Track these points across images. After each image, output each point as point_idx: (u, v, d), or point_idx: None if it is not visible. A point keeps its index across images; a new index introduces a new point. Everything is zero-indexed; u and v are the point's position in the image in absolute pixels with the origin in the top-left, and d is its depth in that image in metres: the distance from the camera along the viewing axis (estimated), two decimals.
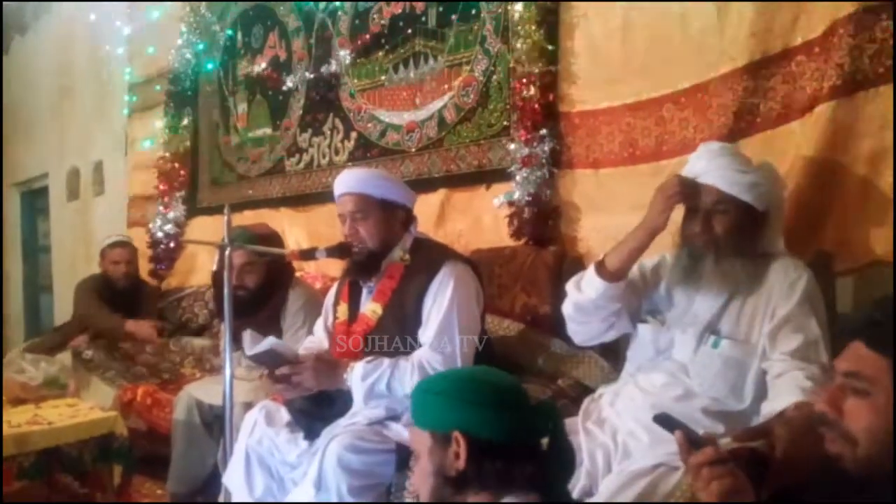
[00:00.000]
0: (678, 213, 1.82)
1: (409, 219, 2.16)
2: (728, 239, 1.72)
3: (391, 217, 2.11)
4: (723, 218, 1.72)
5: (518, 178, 2.70)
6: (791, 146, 2.03)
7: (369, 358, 1.99)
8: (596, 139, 2.60)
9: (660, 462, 1.55)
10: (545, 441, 1.22)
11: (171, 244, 4.30)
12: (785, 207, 1.84)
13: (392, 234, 2.11)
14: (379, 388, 1.95)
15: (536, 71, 2.68)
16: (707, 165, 1.75)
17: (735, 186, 1.70)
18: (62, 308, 5.73)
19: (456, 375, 1.27)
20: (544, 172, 2.67)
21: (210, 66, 4.34)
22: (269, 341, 1.98)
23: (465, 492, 1.17)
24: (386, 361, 1.97)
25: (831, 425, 1.02)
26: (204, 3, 4.35)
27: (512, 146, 2.76)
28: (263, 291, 2.72)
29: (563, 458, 1.20)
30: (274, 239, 2.79)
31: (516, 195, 2.70)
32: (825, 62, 1.93)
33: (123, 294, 3.65)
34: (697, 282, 1.76)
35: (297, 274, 3.24)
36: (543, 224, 2.69)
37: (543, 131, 2.66)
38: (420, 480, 1.23)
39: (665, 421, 1.16)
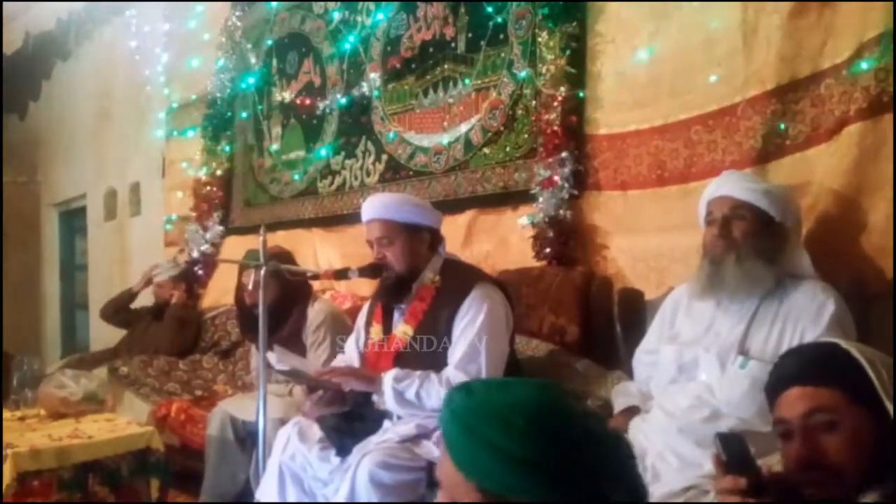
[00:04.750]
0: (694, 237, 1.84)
1: (435, 240, 2.20)
2: (747, 241, 1.75)
3: (417, 240, 2.15)
4: (741, 223, 1.76)
5: (540, 199, 2.75)
6: (819, 169, 2.04)
7: (403, 369, 2.04)
8: (624, 161, 2.62)
9: (691, 485, 1.56)
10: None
11: (203, 263, 4.44)
12: (802, 222, 1.86)
13: (419, 257, 2.16)
14: (408, 394, 1.99)
15: (559, 95, 2.73)
16: (720, 182, 1.84)
17: (749, 193, 1.76)
18: (97, 325, 5.87)
19: (519, 424, 0.87)
20: (565, 194, 2.70)
21: (246, 91, 4.47)
22: (292, 362, 2.04)
23: None
24: (417, 372, 2.03)
25: (818, 468, 1.05)
26: (240, 31, 4.49)
27: (535, 168, 2.80)
28: (278, 309, 2.70)
29: None
30: (286, 258, 2.83)
31: (539, 216, 2.75)
32: (852, 85, 1.95)
33: (158, 311, 4.05)
34: (720, 290, 1.78)
35: (326, 294, 3.30)
36: (564, 245, 2.72)
37: (564, 154, 2.70)
38: None
39: (721, 441, 1.11)
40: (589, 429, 0.92)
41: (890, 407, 1.05)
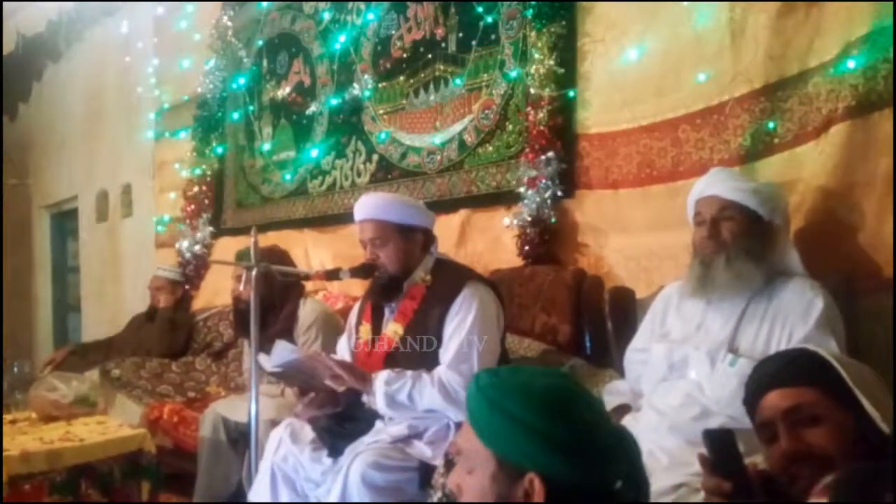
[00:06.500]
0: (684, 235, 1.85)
1: (428, 241, 2.20)
2: (736, 242, 1.76)
3: (410, 241, 2.15)
4: (729, 224, 1.77)
5: (526, 199, 2.76)
6: (807, 167, 2.05)
7: (395, 370, 2.03)
8: (615, 160, 2.63)
9: (681, 482, 1.56)
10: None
11: (199, 264, 4.42)
12: (790, 220, 1.87)
13: (412, 257, 2.15)
14: (400, 397, 1.98)
15: (547, 95, 2.73)
16: (708, 181, 1.84)
17: (737, 193, 1.77)
18: (90, 327, 5.85)
19: (538, 401, 0.98)
20: (549, 195, 2.71)
21: (237, 91, 4.45)
22: (289, 355, 2.03)
23: None
24: (409, 373, 2.01)
25: (807, 460, 1.07)
26: (231, 31, 4.48)
27: (521, 168, 2.81)
28: (268, 305, 2.66)
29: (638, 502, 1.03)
30: (281, 257, 2.83)
31: (522, 216, 2.76)
32: (840, 83, 1.96)
33: (151, 314, 4.07)
34: (711, 291, 1.78)
35: (319, 294, 3.29)
36: (547, 245, 2.73)
37: (550, 154, 2.71)
38: (470, 495, 1.02)
39: (708, 439, 1.13)
40: (598, 414, 1.03)
41: (864, 401, 1.07)
